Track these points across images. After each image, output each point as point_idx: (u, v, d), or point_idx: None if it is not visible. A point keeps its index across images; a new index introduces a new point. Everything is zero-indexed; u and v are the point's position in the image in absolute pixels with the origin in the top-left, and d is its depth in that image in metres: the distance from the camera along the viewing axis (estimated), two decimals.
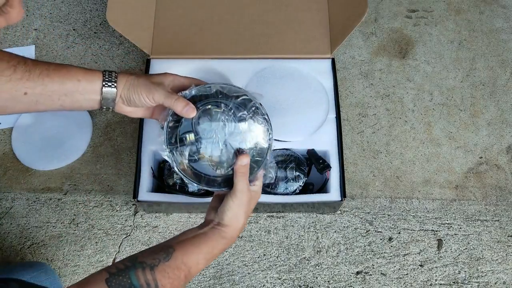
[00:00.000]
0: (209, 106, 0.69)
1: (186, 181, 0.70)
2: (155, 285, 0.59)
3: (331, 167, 0.91)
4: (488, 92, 1.16)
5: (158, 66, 0.98)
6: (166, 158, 0.69)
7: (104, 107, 0.68)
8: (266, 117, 0.71)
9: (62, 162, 1.05)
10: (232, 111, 0.69)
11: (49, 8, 1.24)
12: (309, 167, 0.94)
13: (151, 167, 0.91)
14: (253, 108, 0.70)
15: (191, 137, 0.69)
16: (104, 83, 0.66)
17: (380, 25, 1.23)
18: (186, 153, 0.69)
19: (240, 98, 0.70)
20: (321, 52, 1.00)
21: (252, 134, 0.70)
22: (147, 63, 0.99)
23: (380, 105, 1.13)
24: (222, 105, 0.69)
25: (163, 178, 0.93)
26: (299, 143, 0.93)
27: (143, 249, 0.65)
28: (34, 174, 1.05)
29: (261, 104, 0.71)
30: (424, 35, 1.22)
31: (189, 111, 0.67)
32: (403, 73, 1.17)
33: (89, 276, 0.60)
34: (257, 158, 0.70)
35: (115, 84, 0.67)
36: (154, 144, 0.92)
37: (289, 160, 0.91)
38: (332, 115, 0.95)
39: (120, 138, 1.08)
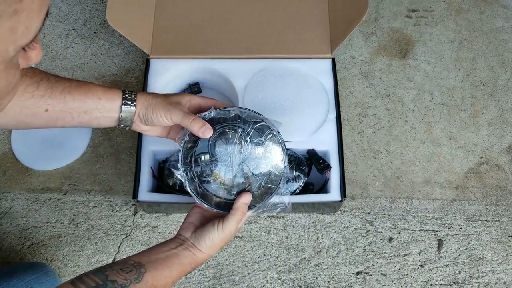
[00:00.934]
0: (227, 129, 0.70)
1: (197, 202, 0.71)
2: None
3: (331, 167, 0.90)
4: (489, 92, 1.15)
5: (157, 65, 0.98)
6: (179, 176, 0.70)
7: (122, 125, 0.69)
8: (283, 145, 0.71)
9: (61, 162, 1.05)
10: (249, 136, 0.70)
11: (49, 7, 1.23)
12: (309, 167, 0.94)
13: (151, 167, 0.91)
14: (270, 136, 0.71)
15: (206, 157, 0.70)
16: (123, 102, 0.67)
17: (380, 25, 1.23)
18: (199, 173, 0.70)
19: (258, 124, 0.70)
20: (321, 52, 0.99)
21: (267, 160, 0.70)
22: (147, 62, 0.99)
23: (380, 105, 1.13)
24: (240, 129, 0.70)
25: (163, 178, 0.92)
26: (299, 143, 0.93)
27: (142, 249, 0.65)
28: (33, 174, 1.04)
29: (278, 132, 0.71)
30: (424, 35, 1.22)
31: (205, 132, 0.67)
32: (404, 73, 1.17)
33: None
34: (270, 185, 0.71)
35: (134, 103, 0.67)
36: (154, 144, 0.92)
37: (289, 160, 0.91)
38: (332, 115, 0.95)
39: (119, 138, 1.08)
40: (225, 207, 0.70)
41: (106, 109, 0.66)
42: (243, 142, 0.69)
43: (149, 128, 0.72)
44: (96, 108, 0.66)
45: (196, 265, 0.66)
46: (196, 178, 0.70)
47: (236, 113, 0.70)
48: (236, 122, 0.70)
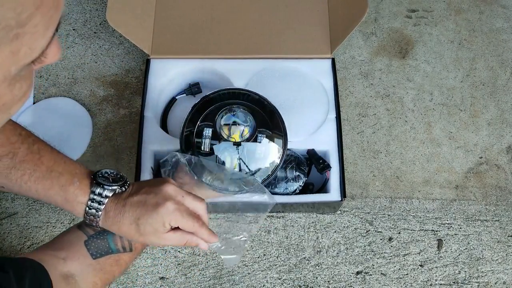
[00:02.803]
0: (235, 108, 0.75)
1: (186, 166, 0.72)
2: (130, 249, 0.61)
3: (331, 167, 0.91)
4: (488, 92, 1.15)
5: (157, 65, 0.98)
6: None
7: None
8: (285, 139, 0.74)
9: None
10: (255, 123, 0.74)
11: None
12: (309, 167, 0.94)
13: (151, 167, 0.91)
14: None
15: (209, 132, 0.73)
16: (88, 205, 0.58)
17: (380, 25, 1.23)
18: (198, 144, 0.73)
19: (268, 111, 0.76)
20: (321, 52, 1.00)
21: (266, 153, 0.74)
22: (147, 62, 0.99)
23: (380, 105, 1.13)
24: (248, 115, 0.75)
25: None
26: (299, 143, 0.93)
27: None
28: None
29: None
30: (424, 35, 1.22)
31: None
32: (403, 73, 1.17)
33: (64, 235, 0.60)
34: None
35: (102, 207, 0.58)
36: (154, 144, 0.92)
37: (289, 160, 0.91)
38: (332, 115, 0.95)
39: (120, 138, 1.08)
40: (215, 184, 0.71)
41: (69, 210, 0.59)
42: (252, 128, 0.71)
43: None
44: (57, 205, 0.59)
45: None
46: (195, 147, 0.71)
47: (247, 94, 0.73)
48: (245, 101, 0.72)
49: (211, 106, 0.74)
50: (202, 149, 0.72)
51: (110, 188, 0.58)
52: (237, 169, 0.71)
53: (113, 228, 0.59)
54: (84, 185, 0.58)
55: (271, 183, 0.89)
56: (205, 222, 0.62)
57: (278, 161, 0.73)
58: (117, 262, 0.61)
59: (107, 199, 0.58)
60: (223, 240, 0.70)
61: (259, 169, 0.72)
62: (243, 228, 0.73)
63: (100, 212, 0.57)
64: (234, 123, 0.72)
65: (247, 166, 0.71)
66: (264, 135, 0.73)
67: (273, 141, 0.74)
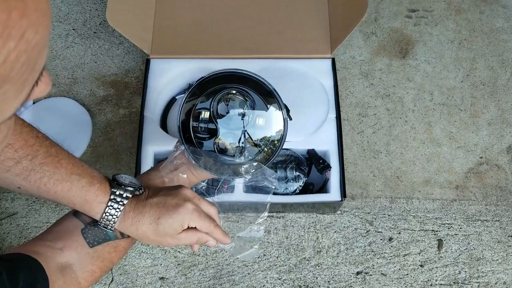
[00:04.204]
0: (232, 91, 0.72)
1: (186, 155, 0.71)
2: (127, 235, 0.61)
3: (331, 167, 0.90)
4: (489, 92, 1.15)
5: (158, 65, 0.98)
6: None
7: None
8: (284, 115, 0.73)
9: None
10: (253, 101, 0.72)
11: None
12: (309, 167, 0.94)
13: (151, 167, 0.91)
14: (275, 104, 0.73)
15: (206, 115, 0.72)
16: (108, 206, 0.59)
17: (380, 25, 1.23)
18: (196, 128, 0.71)
19: (263, 89, 0.73)
20: (321, 52, 1.00)
21: (267, 129, 0.72)
22: (147, 62, 0.99)
23: (380, 105, 1.13)
24: (245, 93, 0.72)
25: None
26: (299, 143, 0.93)
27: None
28: None
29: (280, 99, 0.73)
30: (424, 35, 1.22)
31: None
32: (403, 73, 1.17)
33: (60, 224, 0.60)
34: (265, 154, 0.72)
35: (122, 208, 0.60)
36: (154, 144, 0.92)
37: (289, 160, 0.91)
38: (332, 115, 0.95)
39: (120, 138, 1.08)
40: (213, 168, 0.70)
41: (87, 210, 0.60)
42: (248, 107, 0.70)
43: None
44: (74, 207, 0.60)
45: (191, 185, 0.69)
46: (192, 131, 0.70)
47: (242, 74, 0.71)
48: (241, 84, 0.71)
49: (207, 89, 0.73)
50: (201, 133, 0.71)
51: (130, 189, 0.60)
52: (242, 140, 0.71)
53: (131, 229, 0.60)
54: (104, 186, 0.59)
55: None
56: (218, 224, 0.65)
57: (282, 133, 0.72)
58: (115, 248, 0.62)
59: (127, 199, 0.59)
60: (237, 239, 0.72)
61: (268, 138, 0.71)
62: (247, 224, 0.73)
63: (119, 213, 0.59)
64: (228, 108, 0.71)
65: (251, 138, 0.70)
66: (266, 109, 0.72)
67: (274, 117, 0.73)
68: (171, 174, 0.71)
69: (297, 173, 0.90)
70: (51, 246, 0.57)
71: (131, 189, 0.60)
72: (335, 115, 0.95)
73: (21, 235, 0.99)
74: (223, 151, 0.71)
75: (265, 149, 0.72)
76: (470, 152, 1.09)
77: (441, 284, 0.96)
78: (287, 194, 0.91)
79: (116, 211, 0.59)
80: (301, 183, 0.91)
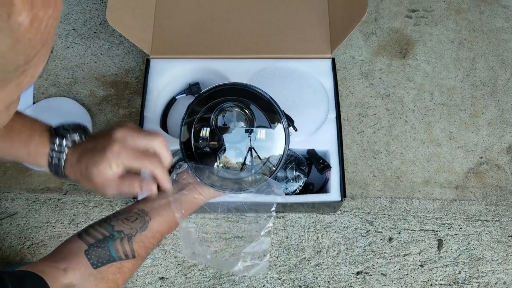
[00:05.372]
0: (232, 105, 0.72)
1: (190, 173, 0.71)
2: (132, 256, 0.60)
3: (331, 167, 0.90)
4: (489, 92, 1.15)
5: (158, 65, 0.98)
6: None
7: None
8: (286, 131, 0.72)
9: None
10: (255, 117, 0.72)
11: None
12: (309, 167, 0.94)
13: None
14: (277, 120, 0.72)
15: (207, 132, 0.71)
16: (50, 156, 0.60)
17: (380, 25, 1.23)
18: (197, 145, 0.71)
19: (265, 104, 0.72)
20: (321, 52, 0.99)
21: (270, 144, 0.72)
22: (147, 62, 0.99)
23: (380, 105, 1.13)
24: (247, 108, 0.73)
25: None
26: (299, 143, 0.93)
27: None
28: (33, 174, 1.04)
29: (285, 114, 0.72)
30: (424, 35, 1.22)
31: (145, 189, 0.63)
32: (403, 73, 1.17)
33: (64, 246, 0.60)
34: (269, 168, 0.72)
35: (64, 155, 0.60)
36: None
37: (289, 160, 0.91)
38: (332, 115, 0.95)
39: None
40: (218, 184, 0.70)
41: (33, 163, 0.61)
42: (250, 120, 0.69)
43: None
44: (22, 161, 0.61)
45: (198, 206, 0.67)
46: (194, 148, 0.69)
47: (241, 88, 0.71)
48: (241, 97, 0.70)
49: (207, 104, 0.73)
50: (203, 149, 0.71)
51: (70, 138, 0.60)
52: (248, 159, 0.70)
53: (75, 176, 0.61)
54: (45, 138, 0.60)
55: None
56: (163, 161, 0.62)
57: (284, 148, 0.72)
58: (120, 270, 0.61)
59: (68, 149, 0.60)
60: (243, 257, 0.70)
61: (270, 157, 0.71)
62: (252, 233, 0.72)
63: (62, 162, 0.59)
64: (229, 123, 0.71)
65: (258, 155, 0.70)
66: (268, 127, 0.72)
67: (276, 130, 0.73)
68: (176, 194, 0.69)
69: (297, 173, 0.90)
70: (55, 267, 0.57)
71: (74, 136, 0.60)
72: (335, 115, 0.95)
73: (21, 235, 0.99)
74: (227, 166, 0.71)
75: (269, 162, 0.71)
76: (470, 152, 1.09)
77: (441, 284, 0.96)
78: (287, 194, 0.91)
79: (58, 161, 0.59)
80: (301, 183, 0.91)
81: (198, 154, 0.71)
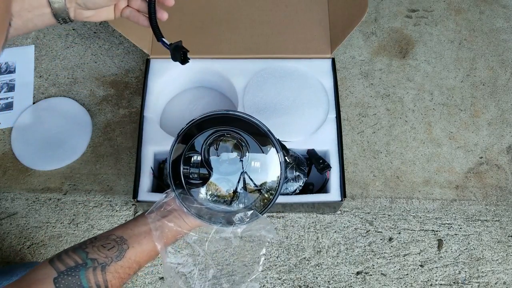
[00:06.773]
0: (225, 134, 0.67)
1: (177, 203, 0.67)
2: (105, 286, 0.56)
3: (331, 167, 0.90)
4: (489, 92, 1.15)
5: (157, 65, 0.98)
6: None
7: (61, 19, 0.63)
8: (281, 159, 0.67)
9: (61, 162, 1.05)
10: (248, 144, 0.66)
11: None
12: (309, 167, 0.94)
13: (151, 167, 0.91)
14: (270, 146, 0.67)
15: (197, 158, 0.67)
16: None
17: (380, 25, 1.23)
18: (187, 174, 0.67)
19: (257, 131, 0.66)
20: (321, 52, 1.00)
21: (264, 172, 0.67)
22: (147, 63, 0.99)
23: (380, 105, 1.13)
24: (238, 136, 0.67)
25: (163, 178, 0.92)
26: (299, 143, 0.93)
27: None
28: (33, 174, 1.04)
29: (278, 141, 0.67)
30: (424, 35, 1.22)
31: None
32: (403, 73, 1.17)
33: (34, 272, 0.55)
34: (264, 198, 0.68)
35: None
36: (154, 144, 0.92)
37: (289, 160, 0.91)
38: (332, 115, 0.95)
39: (119, 138, 1.08)
40: (206, 217, 0.65)
41: (34, 6, 0.60)
42: (243, 151, 0.65)
43: (93, 13, 0.65)
44: (23, 8, 0.59)
45: (181, 236, 0.63)
46: (183, 177, 0.65)
47: (234, 115, 0.66)
48: (233, 126, 0.66)
49: (198, 133, 0.67)
50: (192, 179, 0.67)
51: None
52: (241, 185, 0.66)
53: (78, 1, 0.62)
54: None
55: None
56: None
57: (279, 175, 0.68)
58: None
59: None
60: None
61: (264, 183, 0.67)
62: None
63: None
64: (220, 153, 0.67)
65: (252, 181, 0.67)
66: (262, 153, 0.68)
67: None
68: (159, 221, 0.64)
69: (297, 173, 0.90)
70: None
71: None
72: (335, 115, 0.95)
73: (21, 235, 0.99)
74: (216, 197, 0.67)
75: (265, 194, 0.67)
76: (470, 152, 1.09)
77: (441, 284, 0.96)
78: (287, 194, 0.91)
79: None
80: (301, 183, 0.91)
81: (187, 184, 0.66)
